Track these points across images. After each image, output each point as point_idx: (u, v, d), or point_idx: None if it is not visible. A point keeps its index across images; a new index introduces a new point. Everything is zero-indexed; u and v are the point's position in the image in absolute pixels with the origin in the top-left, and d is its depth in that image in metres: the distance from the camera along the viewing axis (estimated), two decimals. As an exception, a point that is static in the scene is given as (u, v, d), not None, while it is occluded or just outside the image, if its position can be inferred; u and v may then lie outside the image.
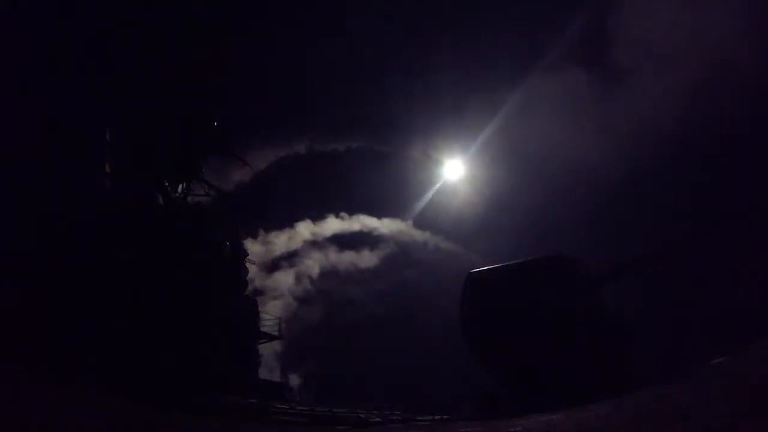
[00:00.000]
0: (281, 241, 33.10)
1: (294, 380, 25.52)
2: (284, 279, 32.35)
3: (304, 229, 34.06)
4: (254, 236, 31.83)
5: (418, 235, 35.81)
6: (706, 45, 28.37)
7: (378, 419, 22.54)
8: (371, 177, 37.63)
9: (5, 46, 19.05)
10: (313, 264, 33.99)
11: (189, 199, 22.19)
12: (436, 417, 22.92)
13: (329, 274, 34.41)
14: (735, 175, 27.72)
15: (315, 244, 34.27)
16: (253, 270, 26.59)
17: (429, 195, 38.79)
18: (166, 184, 21.78)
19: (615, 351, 21.31)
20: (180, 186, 22.01)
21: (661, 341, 23.64)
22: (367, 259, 35.13)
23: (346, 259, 34.88)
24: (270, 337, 23.04)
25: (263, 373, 22.47)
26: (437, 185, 39.23)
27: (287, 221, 34.08)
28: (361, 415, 23.22)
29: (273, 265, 32.42)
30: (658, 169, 30.48)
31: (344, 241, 35.47)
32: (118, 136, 20.80)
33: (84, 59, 20.42)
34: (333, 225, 34.62)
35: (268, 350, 23.32)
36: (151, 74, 21.66)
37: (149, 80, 21.65)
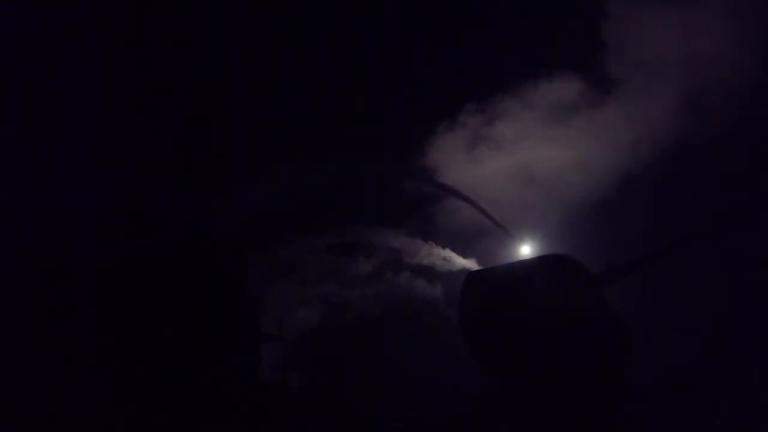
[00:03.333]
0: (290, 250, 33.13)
1: (294, 380, 25.50)
2: (286, 283, 32.38)
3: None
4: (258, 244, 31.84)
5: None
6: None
7: (378, 419, 22.59)
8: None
9: (6, 47, 19.12)
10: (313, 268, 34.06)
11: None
12: (437, 417, 22.94)
13: (330, 277, 34.44)
14: (734, 176, 27.76)
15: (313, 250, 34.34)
16: (254, 274, 26.60)
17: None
18: (166, 186, 21.89)
19: (615, 351, 21.33)
20: (180, 187, 22.13)
21: (661, 342, 23.67)
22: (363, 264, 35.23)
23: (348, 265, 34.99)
24: (271, 338, 23.07)
25: (264, 374, 22.48)
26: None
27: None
28: (362, 415, 23.25)
29: (276, 270, 32.40)
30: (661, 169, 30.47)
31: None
32: (119, 139, 20.95)
33: (84, 61, 20.50)
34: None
35: (268, 351, 23.35)
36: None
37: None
